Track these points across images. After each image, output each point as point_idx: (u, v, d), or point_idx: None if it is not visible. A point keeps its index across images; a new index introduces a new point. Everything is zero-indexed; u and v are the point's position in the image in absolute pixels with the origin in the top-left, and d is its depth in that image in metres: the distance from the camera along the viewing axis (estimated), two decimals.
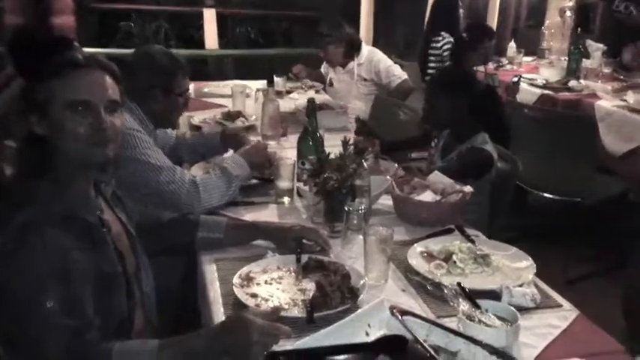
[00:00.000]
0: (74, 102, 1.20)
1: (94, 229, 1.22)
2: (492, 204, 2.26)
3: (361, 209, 1.64)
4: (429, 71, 4.31)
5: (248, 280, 1.41)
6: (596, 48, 4.05)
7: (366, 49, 3.56)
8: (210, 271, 1.51)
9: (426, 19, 5.03)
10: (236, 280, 1.40)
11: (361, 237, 1.53)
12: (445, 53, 4.29)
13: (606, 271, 2.94)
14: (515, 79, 3.75)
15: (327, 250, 1.57)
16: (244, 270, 1.44)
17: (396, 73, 3.50)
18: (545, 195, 3.20)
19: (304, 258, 1.50)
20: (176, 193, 1.77)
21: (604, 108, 3.22)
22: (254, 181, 2.06)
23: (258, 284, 1.41)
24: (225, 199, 1.84)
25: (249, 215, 1.83)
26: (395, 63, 4.63)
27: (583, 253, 3.18)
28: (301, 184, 1.86)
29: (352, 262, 1.52)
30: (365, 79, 3.53)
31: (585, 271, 3.05)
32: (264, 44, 6.13)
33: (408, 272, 1.49)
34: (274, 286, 1.40)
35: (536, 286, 1.41)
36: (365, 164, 1.78)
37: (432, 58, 4.37)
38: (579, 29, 4.33)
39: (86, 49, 1.31)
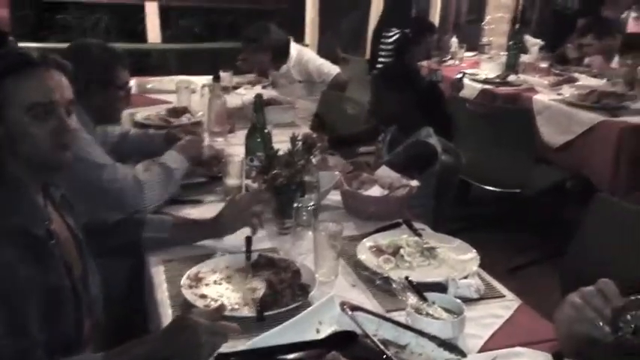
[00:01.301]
0: (35, 104, 1.14)
1: (42, 242, 1.16)
2: (437, 197, 2.32)
3: (310, 205, 1.65)
4: (379, 65, 4.36)
5: (197, 280, 1.39)
6: (533, 43, 4.20)
7: (295, 51, 3.51)
8: (158, 273, 1.48)
9: (379, 14, 5.09)
10: (184, 281, 1.37)
11: (311, 233, 1.53)
12: (393, 46, 4.35)
13: (546, 258, 3.06)
14: (459, 75, 3.84)
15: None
16: (193, 270, 1.42)
17: (326, 70, 3.51)
18: (487, 187, 3.29)
19: (254, 256, 1.49)
20: (120, 191, 1.72)
21: (541, 102, 3.34)
22: (201, 179, 2.03)
23: (207, 285, 1.39)
24: (167, 194, 1.81)
25: (197, 214, 1.81)
26: (342, 57, 4.69)
27: (524, 242, 3.31)
28: (250, 181, 1.85)
29: (302, 259, 1.52)
30: (300, 81, 3.53)
31: (527, 259, 3.17)
32: (208, 38, 6.03)
33: (358, 267, 1.51)
34: (224, 286, 1.39)
35: (480, 277, 1.46)
36: (313, 160, 1.79)
37: (382, 52, 4.41)
38: (517, 24, 4.47)
39: (22, 44, 1.26)
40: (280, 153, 1.77)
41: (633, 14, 4.55)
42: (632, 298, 0.92)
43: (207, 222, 1.62)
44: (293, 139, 1.70)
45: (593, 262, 1.74)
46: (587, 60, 3.92)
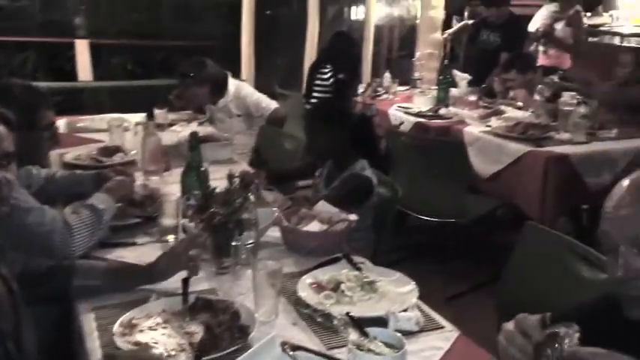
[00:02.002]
0: None
1: None
2: (376, 229, 2.34)
3: (249, 243, 1.63)
4: (313, 100, 4.41)
5: (130, 327, 1.34)
6: (461, 78, 4.37)
7: (233, 85, 3.51)
8: (88, 321, 1.41)
9: (315, 49, 5.18)
10: (117, 328, 1.32)
11: (250, 272, 1.51)
12: (329, 82, 4.41)
13: (482, 285, 3.13)
14: (397, 122, 3.89)
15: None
16: (126, 317, 1.37)
17: (264, 104, 3.52)
18: (423, 217, 3.36)
19: (191, 298, 1.45)
20: (48, 235, 1.64)
21: (472, 133, 3.46)
22: (135, 219, 1.97)
23: (141, 331, 1.33)
24: (96, 237, 1.74)
25: (132, 257, 1.75)
26: (280, 93, 4.73)
27: (461, 270, 3.38)
28: (186, 221, 1.81)
29: (243, 299, 1.50)
30: (238, 115, 3.53)
31: (463, 287, 3.23)
32: (142, 75, 5.95)
33: (299, 305, 1.50)
34: (159, 332, 1.34)
35: (420, 309, 1.47)
36: (251, 197, 1.77)
37: (317, 88, 4.47)
38: (446, 60, 4.65)
39: None
40: (218, 191, 1.75)
41: (541, 48, 4.84)
42: (551, 331, 0.94)
43: (142, 267, 1.57)
44: (230, 177, 1.69)
45: (526, 289, 1.79)
46: (512, 93, 4.11)
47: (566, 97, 3.35)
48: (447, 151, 3.31)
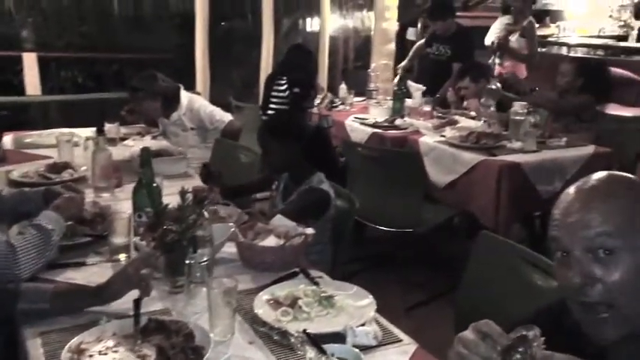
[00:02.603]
0: None
1: None
2: (334, 242, 2.33)
3: (204, 261, 1.60)
4: (270, 112, 4.39)
5: (79, 352, 1.28)
6: (416, 88, 4.43)
7: (186, 98, 3.47)
8: (35, 347, 1.35)
9: (270, 61, 5.16)
10: (65, 354, 1.26)
11: (205, 290, 1.47)
12: (286, 94, 4.39)
13: (440, 295, 3.16)
14: (353, 133, 3.89)
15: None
16: (74, 341, 1.31)
17: (218, 117, 3.49)
18: (381, 228, 3.38)
19: (143, 320, 1.40)
20: None
21: (427, 143, 3.50)
22: (85, 238, 1.91)
23: (91, 356, 1.28)
24: (45, 258, 1.67)
25: (81, 278, 1.69)
26: (235, 105, 4.69)
27: (420, 280, 3.40)
28: (138, 239, 1.76)
29: (197, 318, 1.46)
30: (192, 128, 3.48)
31: (422, 297, 3.25)
32: (93, 89, 5.81)
33: (255, 323, 1.47)
34: (110, 356, 1.29)
35: (378, 323, 1.46)
36: (205, 213, 1.74)
37: (273, 100, 4.45)
38: (401, 71, 4.71)
39: None
40: (171, 207, 1.71)
41: (497, 60, 4.96)
42: (518, 335, 0.93)
43: (92, 288, 1.52)
44: (182, 194, 1.65)
45: (482, 298, 1.81)
46: (465, 103, 4.19)
47: (517, 106, 3.42)
48: (403, 161, 3.34)
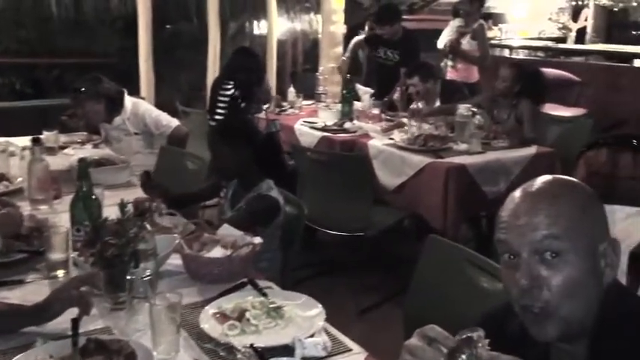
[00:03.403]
0: None
1: None
2: (283, 249, 2.30)
3: (146, 275, 1.54)
4: (217, 117, 4.32)
5: None
6: (364, 92, 4.44)
7: (130, 102, 3.38)
8: None
9: (217, 65, 5.08)
10: None
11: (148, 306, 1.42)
12: (232, 98, 4.33)
13: (392, 297, 3.17)
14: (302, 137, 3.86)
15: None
16: None
17: (165, 122, 3.41)
18: (332, 232, 3.37)
19: (82, 340, 1.33)
20: None
21: (376, 146, 3.51)
22: (20, 255, 1.81)
23: None
24: None
25: (17, 297, 1.60)
26: (182, 110, 4.59)
27: (372, 283, 3.41)
28: (76, 255, 1.68)
29: (139, 336, 1.40)
30: (136, 133, 3.39)
31: (374, 300, 3.26)
32: (32, 95, 5.58)
33: (201, 339, 1.42)
34: None
35: (327, 332, 1.44)
36: (147, 226, 1.68)
37: (220, 104, 4.38)
38: (348, 75, 4.72)
39: None
40: (111, 219, 1.64)
41: (449, 63, 5.05)
42: (463, 337, 0.93)
43: (28, 307, 1.44)
44: (121, 206, 1.58)
45: (431, 301, 1.82)
46: (412, 105, 4.22)
47: (462, 109, 3.48)
48: (352, 164, 3.34)
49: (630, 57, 5.67)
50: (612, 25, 7.55)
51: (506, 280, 1.00)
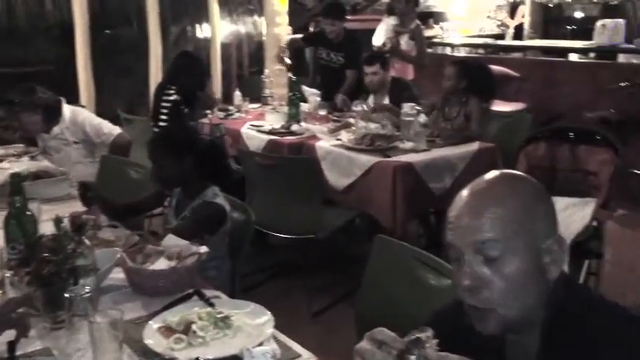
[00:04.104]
0: None
1: None
2: (232, 256, 2.27)
3: (86, 292, 1.48)
4: (162, 124, 4.23)
5: None
6: (310, 93, 4.44)
7: (68, 111, 3.28)
8: None
9: (159, 72, 4.97)
10: None
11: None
12: (175, 104, 4.24)
13: (345, 298, 3.18)
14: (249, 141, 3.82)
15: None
16: None
17: (106, 130, 3.31)
18: (283, 236, 3.35)
19: None
20: None
21: (323, 148, 3.51)
22: None
23: None
24: None
25: None
26: (124, 118, 4.47)
27: (326, 284, 3.40)
28: (11, 274, 1.61)
29: (81, 356, 1.35)
30: (76, 142, 3.28)
31: (328, 301, 3.25)
32: None
33: (145, 355, 1.38)
34: None
35: (276, 340, 1.42)
36: (86, 240, 1.62)
37: (163, 111, 4.28)
38: (294, 77, 4.71)
39: None
40: (47, 236, 1.57)
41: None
42: (412, 338, 0.94)
43: None
44: (57, 221, 1.52)
45: (381, 300, 1.82)
46: (357, 107, 4.24)
47: (407, 107, 3.52)
48: (300, 167, 3.33)
49: (566, 51, 5.87)
50: (548, 21, 7.81)
51: (454, 278, 1.02)
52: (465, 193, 1.01)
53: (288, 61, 5.26)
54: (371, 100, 4.21)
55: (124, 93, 5.68)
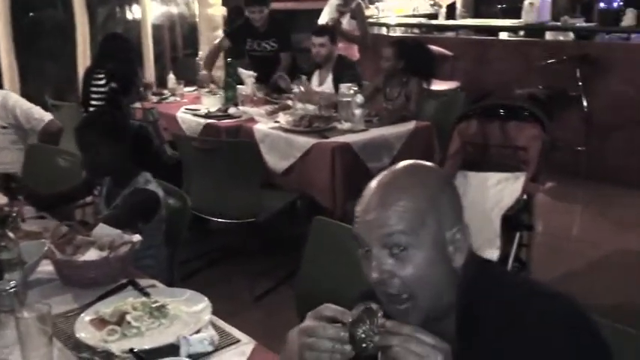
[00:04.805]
0: None
1: None
2: (169, 243, 2.22)
3: (11, 287, 1.41)
4: (92, 109, 4.06)
5: None
6: (247, 75, 4.35)
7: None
8: None
9: (87, 55, 4.76)
10: None
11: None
12: (107, 89, 4.08)
13: (285, 280, 3.18)
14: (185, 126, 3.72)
15: None
16: None
17: (37, 115, 3.17)
18: (223, 220, 3.31)
19: None
20: None
21: (262, 130, 3.48)
22: None
23: None
24: None
25: None
26: (52, 104, 4.27)
27: (267, 267, 3.39)
28: None
29: (8, 353, 1.29)
30: (4, 127, 3.12)
31: (270, 284, 3.25)
32: None
33: (77, 348, 1.33)
34: None
35: (214, 326, 1.41)
36: (9, 233, 1.54)
37: (94, 96, 4.11)
38: (229, 59, 4.61)
39: None
40: None
41: None
42: (363, 308, 0.93)
43: None
44: None
45: (320, 281, 1.83)
46: (295, 89, 4.21)
47: (344, 88, 3.52)
48: (239, 150, 3.28)
49: (497, 30, 6.01)
50: (479, 0, 7.98)
51: (364, 270, 1.02)
52: (373, 185, 1.02)
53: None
54: (316, 76, 4.19)
55: (51, 78, 5.43)
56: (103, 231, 1.78)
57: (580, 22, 5.43)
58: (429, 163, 1.07)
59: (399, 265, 0.97)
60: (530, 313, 0.96)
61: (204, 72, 4.63)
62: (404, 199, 0.98)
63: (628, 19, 4.91)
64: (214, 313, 1.45)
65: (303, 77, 4.08)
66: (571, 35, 5.50)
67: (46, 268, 1.69)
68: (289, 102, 4.01)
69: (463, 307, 1.01)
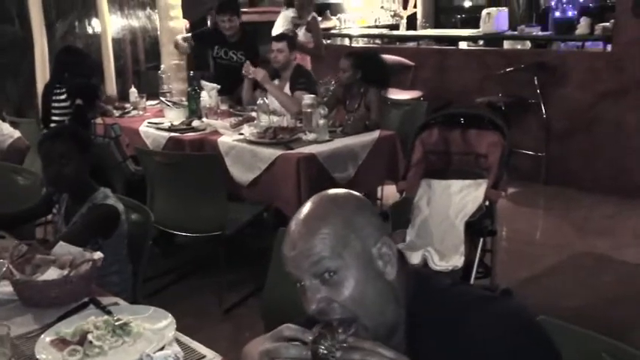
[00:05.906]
0: None
1: None
2: (133, 259, 2.19)
3: None
4: (53, 125, 3.98)
5: None
6: (211, 88, 4.34)
7: None
8: None
9: (46, 69, 4.67)
10: None
11: None
12: (68, 104, 4.01)
13: (254, 292, 3.16)
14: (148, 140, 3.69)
15: None
16: None
17: (6, 132, 3.12)
18: (189, 235, 3.28)
19: None
20: None
21: (226, 143, 3.46)
22: None
23: None
24: None
25: None
26: (10, 121, 4.17)
27: (236, 280, 3.37)
28: None
29: None
30: None
31: (238, 297, 3.22)
32: None
33: None
34: None
35: (179, 342, 1.39)
36: None
37: (55, 111, 4.03)
38: (192, 72, 4.59)
39: None
40: None
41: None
42: (321, 325, 0.94)
43: None
44: None
45: (286, 293, 1.82)
46: (259, 101, 4.21)
47: (307, 99, 3.53)
48: (203, 164, 3.26)
49: (456, 40, 6.14)
50: (439, 11, 8.15)
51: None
52: (291, 225, 1.04)
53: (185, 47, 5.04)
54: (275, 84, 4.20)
55: (9, 94, 5.30)
56: (63, 249, 1.75)
57: (536, 31, 5.59)
58: (339, 190, 1.09)
59: (334, 290, 0.98)
60: (474, 318, 0.98)
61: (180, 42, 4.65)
62: (323, 226, 1.00)
63: (582, 27, 5.08)
64: (182, 328, 1.44)
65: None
66: (528, 44, 5.65)
67: (6, 288, 1.65)
68: (253, 114, 4.00)
69: (410, 322, 1.03)
